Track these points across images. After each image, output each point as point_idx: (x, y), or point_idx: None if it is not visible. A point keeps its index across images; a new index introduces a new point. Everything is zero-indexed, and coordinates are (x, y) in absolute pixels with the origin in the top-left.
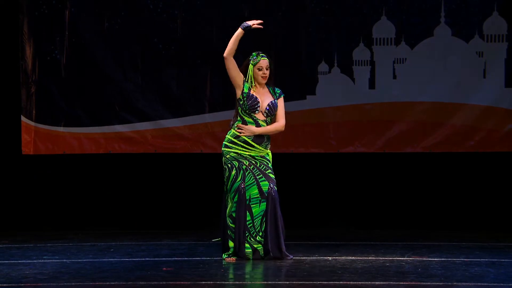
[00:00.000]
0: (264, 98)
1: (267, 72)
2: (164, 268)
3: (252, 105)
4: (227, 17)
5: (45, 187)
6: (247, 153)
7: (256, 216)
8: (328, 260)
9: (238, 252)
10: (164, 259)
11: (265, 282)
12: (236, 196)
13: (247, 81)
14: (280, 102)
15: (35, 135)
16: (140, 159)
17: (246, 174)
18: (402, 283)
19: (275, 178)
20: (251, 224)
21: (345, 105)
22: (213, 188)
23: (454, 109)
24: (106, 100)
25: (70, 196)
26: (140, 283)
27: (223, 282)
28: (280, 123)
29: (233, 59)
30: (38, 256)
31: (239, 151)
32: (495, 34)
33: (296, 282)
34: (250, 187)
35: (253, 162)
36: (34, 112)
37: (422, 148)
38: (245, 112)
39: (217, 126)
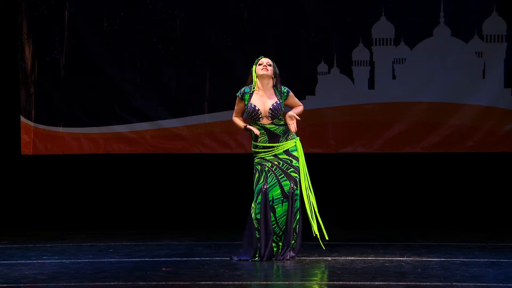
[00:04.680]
0: (267, 100)
1: (268, 67)
2: (164, 269)
3: (252, 115)
4: (227, 17)
5: (44, 188)
6: (270, 153)
7: (280, 216)
8: (327, 260)
9: (264, 253)
10: (163, 259)
11: (265, 282)
12: (259, 198)
13: (252, 87)
14: (290, 98)
15: (34, 136)
16: (139, 159)
17: (269, 175)
18: (401, 283)
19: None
20: (275, 225)
21: (344, 105)
22: (213, 188)
23: (453, 109)
24: (105, 100)
25: (69, 196)
26: (140, 283)
27: (222, 283)
28: (301, 106)
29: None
30: (38, 256)
31: (262, 155)
32: (495, 34)
33: (296, 282)
34: (272, 188)
35: (276, 162)
36: (33, 112)
37: (421, 148)
38: (251, 121)
39: (216, 126)
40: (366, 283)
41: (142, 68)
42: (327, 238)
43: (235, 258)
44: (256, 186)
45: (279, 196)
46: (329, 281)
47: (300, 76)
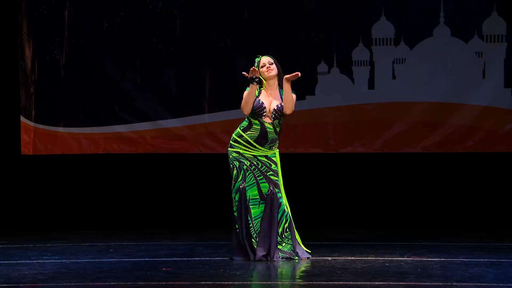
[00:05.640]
0: (273, 100)
1: (271, 66)
2: (164, 269)
3: (258, 110)
4: (227, 17)
5: (44, 188)
6: (249, 153)
7: (255, 218)
8: (327, 260)
9: (247, 252)
10: (163, 259)
11: (264, 283)
12: (237, 196)
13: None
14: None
15: (34, 136)
16: (139, 159)
17: (247, 174)
18: (401, 283)
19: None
20: (251, 225)
21: (345, 105)
22: (212, 188)
23: (453, 109)
24: (105, 100)
25: (69, 196)
26: (140, 283)
27: (222, 283)
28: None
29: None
30: (38, 256)
31: (241, 151)
32: (495, 34)
33: (295, 282)
34: (250, 188)
35: (255, 163)
36: (33, 112)
37: (421, 148)
38: (252, 115)
39: (216, 126)
40: (366, 283)
41: (142, 68)
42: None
43: (236, 259)
44: (233, 184)
45: (256, 197)
46: (329, 281)
47: (300, 76)
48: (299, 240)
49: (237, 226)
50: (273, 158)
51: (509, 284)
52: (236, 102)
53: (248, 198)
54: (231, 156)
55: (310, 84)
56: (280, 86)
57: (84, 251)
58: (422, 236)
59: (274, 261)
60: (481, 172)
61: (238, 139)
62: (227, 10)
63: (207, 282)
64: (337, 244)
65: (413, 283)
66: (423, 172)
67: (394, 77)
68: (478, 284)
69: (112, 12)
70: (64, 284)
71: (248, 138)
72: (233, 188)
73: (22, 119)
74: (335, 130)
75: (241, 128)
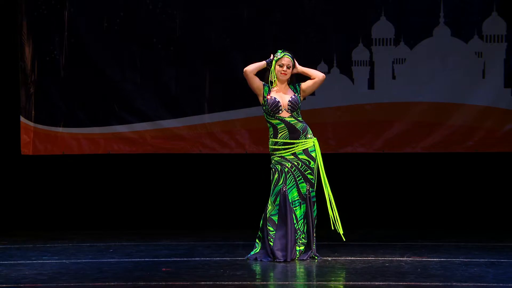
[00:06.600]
0: (284, 95)
1: (288, 71)
2: (164, 269)
3: (273, 107)
4: (226, 17)
5: (44, 188)
6: (290, 151)
7: (300, 218)
8: (327, 260)
9: (288, 255)
10: (163, 259)
11: (263, 283)
12: (278, 199)
13: (269, 82)
14: (303, 84)
15: (34, 136)
16: (139, 159)
17: (288, 176)
18: (401, 283)
19: None
20: (297, 227)
21: (344, 105)
22: (212, 188)
23: (453, 109)
24: (105, 100)
25: (69, 196)
26: (140, 283)
27: (223, 283)
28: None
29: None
30: (38, 257)
31: (282, 153)
32: (494, 34)
33: (295, 283)
34: (291, 190)
35: (295, 163)
36: (33, 112)
37: (421, 148)
38: (269, 115)
39: (216, 126)
40: (366, 283)
41: (142, 68)
42: (342, 232)
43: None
44: (275, 187)
45: (297, 198)
46: (329, 281)
47: (299, 76)
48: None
49: (271, 229)
50: (312, 154)
51: (509, 284)
52: (236, 102)
53: (290, 200)
54: (273, 161)
55: None
56: (290, 85)
57: (84, 252)
58: (422, 236)
59: (315, 258)
60: (481, 172)
61: (275, 147)
62: (227, 10)
63: (207, 283)
64: (337, 244)
65: (413, 283)
66: (423, 172)
67: (394, 77)
68: (478, 284)
69: (112, 12)
70: (64, 284)
71: (282, 140)
72: (272, 191)
73: (22, 119)
74: (335, 130)
75: (271, 136)
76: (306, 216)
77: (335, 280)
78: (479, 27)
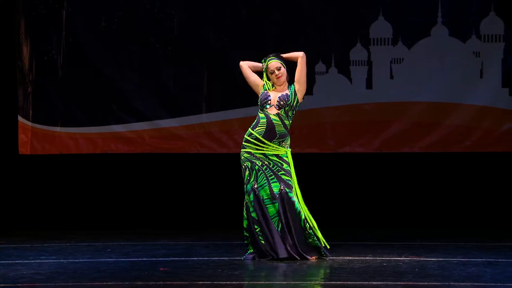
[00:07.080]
0: (278, 92)
1: (279, 72)
2: (161, 268)
3: (263, 99)
4: (224, 17)
5: (41, 188)
6: (260, 151)
7: (273, 216)
8: (326, 260)
9: (278, 250)
10: (161, 259)
11: (263, 282)
12: (251, 196)
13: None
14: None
15: (32, 135)
16: (137, 159)
17: (259, 174)
18: (399, 283)
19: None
20: (269, 224)
21: (343, 105)
22: (210, 188)
23: (451, 109)
24: (103, 100)
25: (67, 196)
26: (137, 283)
27: (221, 282)
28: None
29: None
30: (35, 256)
31: (252, 150)
32: (492, 34)
33: (294, 282)
34: (262, 188)
35: (266, 162)
36: (31, 112)
37: (419, 148)
38: (259, 108)
39: (214, 126)
40: (364, 283)
41: (140, 68)
42: (328, 246)
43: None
44: (247, 185)
45: (268, 197)
46: (327, 281)
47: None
48: (321, 238)
49: (256, 226)
50: (285, 158)
51: (507, 284)
52: (234, 102)
53: (262, 198)
54: (242, 157)
55: (308, 84)
56: (288, 82)
57: (81, 251)
58: (420, 236)
59: (298, 259)
60: (478, 172)
61: (248, 138)
62: (226, 10)
63: (205, 282)
64: (335, 244)
65: (411, 283)
66: (421, 172)
67: (392, 77)
68: (476, 283)
69: (110, 12)
70: (62, 284)
71: (256, 134)
72: (246, 191)
73: (20, 119)
74: (333, 130)
75: (251, 126)
76: (278, 215)
77: (333, 280)
78: (477, 27)
